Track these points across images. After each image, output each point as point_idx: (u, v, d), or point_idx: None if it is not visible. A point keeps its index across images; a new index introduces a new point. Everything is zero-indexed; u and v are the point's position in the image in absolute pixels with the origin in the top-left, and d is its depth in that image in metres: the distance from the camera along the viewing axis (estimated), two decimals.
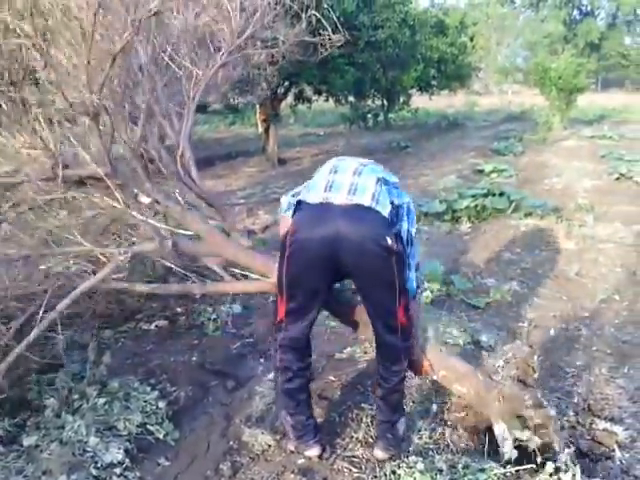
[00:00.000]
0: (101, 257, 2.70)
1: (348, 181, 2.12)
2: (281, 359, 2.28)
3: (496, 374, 2.32)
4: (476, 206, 6.36)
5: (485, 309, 3.88)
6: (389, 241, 2.06)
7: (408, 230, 2.29)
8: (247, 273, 2.83)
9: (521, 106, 22.04)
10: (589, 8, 41.59)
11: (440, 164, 10.61)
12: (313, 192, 2.14)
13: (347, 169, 2.17)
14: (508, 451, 2.17)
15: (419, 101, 18.57)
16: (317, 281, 2.16)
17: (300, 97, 12.40)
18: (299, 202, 2.17)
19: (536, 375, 2.33)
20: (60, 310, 2.49)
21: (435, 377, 2.46)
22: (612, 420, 2.59)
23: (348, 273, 2.18)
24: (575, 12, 41.75)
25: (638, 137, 13.56)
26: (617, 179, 8.47)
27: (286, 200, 2.39)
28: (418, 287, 2.39)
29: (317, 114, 19.64)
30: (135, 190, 2.75)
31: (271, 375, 2.99)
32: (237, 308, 3.87)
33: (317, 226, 2.06)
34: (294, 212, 2.18)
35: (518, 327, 3.60)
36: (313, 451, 2.30)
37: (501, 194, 6.62)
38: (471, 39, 21.61)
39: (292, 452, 2.35)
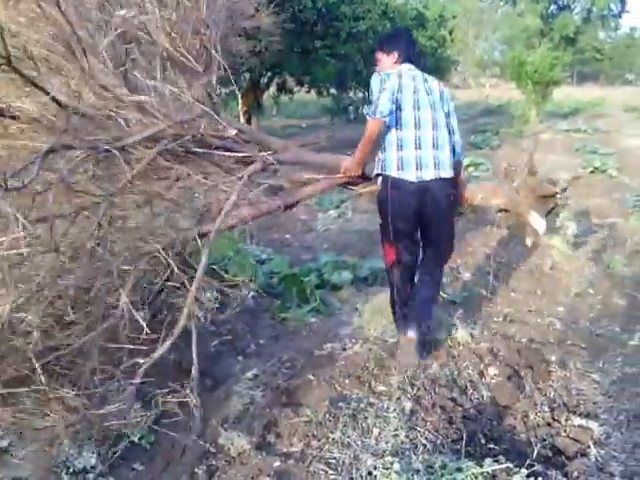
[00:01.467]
0: (225, 188, 2.88)
1: (431, 155, 2.92)
2: (398, 288, 3.07)
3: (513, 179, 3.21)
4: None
5: (462, 304, 3.89)
6: (451, 194, 3.03)
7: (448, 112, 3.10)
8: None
9: (498, 100, 22.20)
10: (565, 2, 41.92)
11: None
12: (408, 171, 2.89)
13: (427, 141, 2.91)
14: (542, 229, 3.07)
15: None
16: (412, 225, 3.00)
17: (283, 88, 12.34)
18: (393, 179, 2.91)
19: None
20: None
21: (476, 202, 3.24)
22: (587, 416, 2.61)
23: (424, 218, 2.99)
24: (553, 7, 42.03)
25: (611, 130, 13.78)
26: (591, 172, 8.59)
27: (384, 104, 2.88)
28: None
29: (299, 105, 19.54)
30: (222, 123, 2.96)
31: (249, 374, 2.97)
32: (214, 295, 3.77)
33: (414, 193, 2.91)
34: (394, 181, 2.91)
35: (494, 322, 3.63)
36: (411, 334, 2.94)
37: None
38: (450, 32, 21.70)
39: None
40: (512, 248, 5.14)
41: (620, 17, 43.10)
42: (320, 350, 3.21)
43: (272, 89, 12.40)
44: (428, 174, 2.91)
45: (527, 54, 16.60)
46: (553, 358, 3.13)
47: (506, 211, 3.27)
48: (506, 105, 19.63)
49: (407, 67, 3.09)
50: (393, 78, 2.94)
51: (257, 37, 3.83)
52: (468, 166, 8.99)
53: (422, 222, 3.03)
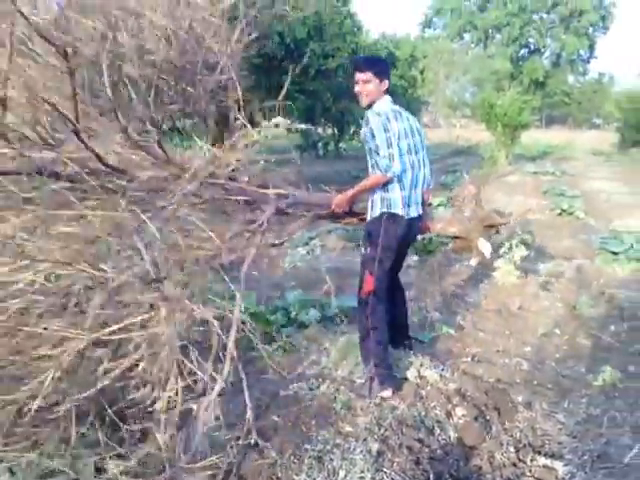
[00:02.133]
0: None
1: (420, 192, 3.25)
2: (374, 319, 3.14)
3: (464, 211, 3.59)
4: (423, 239, 6.46)
5: (430, 343, 3.91)
6: None
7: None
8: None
9: (468, 141, 22.73)
10: (535, 46, 43.47)
11: None
12: (410, 208, 3.16)
13: (419, 180, 3.22)
14: (488, 252, 3.51)
15: None
16: (395, 254, 3.21)
17: (251, 122, 12.47)
18: (393, 214, 3.11)
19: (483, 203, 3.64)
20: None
21: (437, 230, 3.73)
22: (552, 456, 2.63)
23: (403, 247, 3.31)
24: (523, 50, 43.58)
25: (579, 173, 14.21)
26: (559, 214, 8.80)
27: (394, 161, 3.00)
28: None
29: (268, 140, 19.70)
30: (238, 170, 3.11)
31: (213, 415, 2.89)
32: None
33: (406, 228, 3.15)
34: (390, 216, 3.11)
35: (463, 362, 3.63)
36: (387, 393, 3.06)
37: None
38: (421, 72, 22.29)
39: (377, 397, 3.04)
40: (480, 288, 5.20)
41: (589, 62, 45.12)
42: (286, 390, 3.17)
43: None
44: (419, 209, 3.26)
45: (497, 97, 17.05)
46: (520, 399, 3.15)
47: (459, 237, 3.72)
48: (475, 147, 20.10)
49: (390, 100, 3.17)
50: (393, 124, 3.03)
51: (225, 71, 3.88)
52: (438, 205, 9.15)
53: (399, 251, 3.29)
